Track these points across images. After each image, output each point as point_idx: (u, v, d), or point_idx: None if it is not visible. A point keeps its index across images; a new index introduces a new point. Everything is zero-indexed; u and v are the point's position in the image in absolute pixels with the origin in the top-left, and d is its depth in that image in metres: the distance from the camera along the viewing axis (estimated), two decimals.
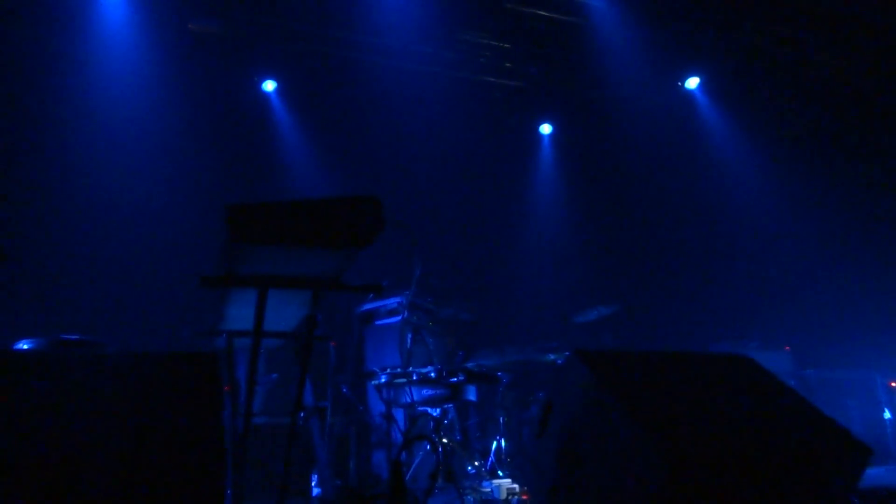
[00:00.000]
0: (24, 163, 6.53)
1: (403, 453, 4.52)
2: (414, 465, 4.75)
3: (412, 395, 4.59)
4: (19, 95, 6.60)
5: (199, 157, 7.19)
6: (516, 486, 4.29)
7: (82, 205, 6.55)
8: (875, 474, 4.86)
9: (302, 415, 4.47)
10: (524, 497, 4.11)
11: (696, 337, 8.09)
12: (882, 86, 8.43)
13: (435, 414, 4.79)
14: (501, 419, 5.40)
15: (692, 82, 8.75)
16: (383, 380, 4.71)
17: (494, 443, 5.24)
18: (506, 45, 8.39)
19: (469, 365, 5.46)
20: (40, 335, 3.64)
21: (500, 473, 4.83)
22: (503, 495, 4.23)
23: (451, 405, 4.94)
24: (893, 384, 7.44)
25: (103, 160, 6.72)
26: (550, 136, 9.58)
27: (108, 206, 6.62)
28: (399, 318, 5.66)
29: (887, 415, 7.23)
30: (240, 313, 3.15)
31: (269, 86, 8.07)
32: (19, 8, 6.51)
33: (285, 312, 3.21)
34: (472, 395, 5.20)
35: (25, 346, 3.64)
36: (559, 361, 5.66)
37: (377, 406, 5.44)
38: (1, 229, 6.07)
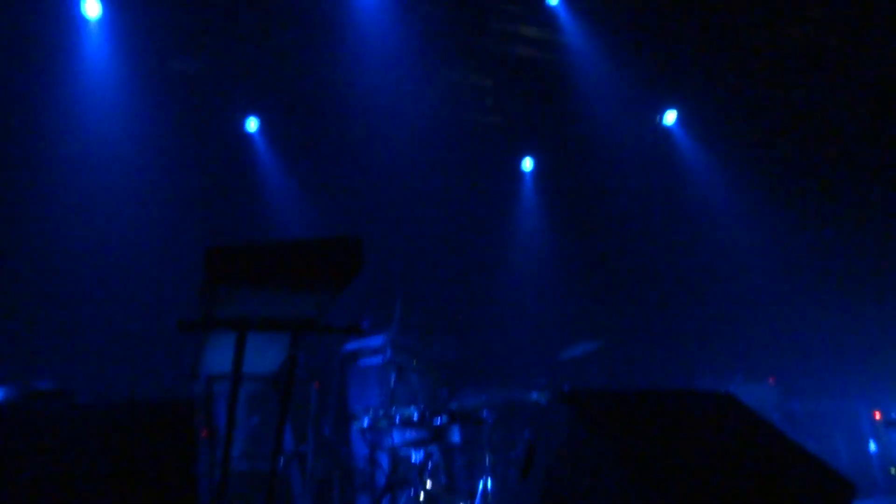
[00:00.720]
0: None
1: (387, 498, 4.42)
2: None
3: (395, 438, 4.51)
4: None
5: (180, 198, 7.15)
6: None
7: (56, 245, 6.46)
8: None
9: (282, 460, 4.37)
10: None
11: (681, 371, 8.09)
12: (858, 119, 8.64)
13: (419, 456, 4.71)
14: (487, 459, 5.32)
15: (670, 117, 8.90)
16: (366, 422, 4.63)
17: (481, 484, 5.15)
18: (486, 83, 8.50)
19: (453, 405, 5.40)
20: (11, 383, 3.55)
21: None
22: None
23: (435, 447, 4.87)
24: (878, 415, 7.46)
25: (80, 201, 6.66)
26: (532, 171, 9.66)
27: (83, 248, 6.52)
28: (382, 357, 5.60)
29: (872, 446, 7.23)
30: (219, 356, 3.09)
31: (252, 124, 8.09)
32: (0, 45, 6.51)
33: (265, 355, 3.16)
34: (456, 436, 5.13)
35: None
36: (543, 401, 5.62)
37: (361, 449, 5.35)
38: None
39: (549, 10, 7.12)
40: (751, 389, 7.02)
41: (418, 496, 4.11)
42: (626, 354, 8.04)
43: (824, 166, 8.92)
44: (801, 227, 8.67)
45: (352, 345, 6.38)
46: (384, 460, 5.13)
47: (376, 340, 6.03)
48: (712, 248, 8.91)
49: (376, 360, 6.03)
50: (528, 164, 9.60)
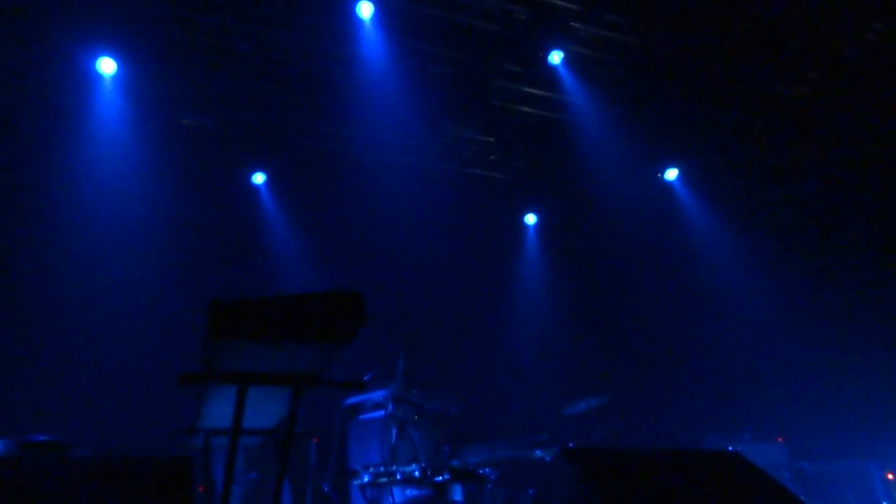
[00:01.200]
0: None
1: None
2: None
3: (395, 496, 4.42)
4: (8, 187, 6.66)
5: (186, 250, 7.21)
6: None
7: (56, 296, 6.48)
8: None
9: None
10: None
11: (687, 428, 7.95)
12: (858, 177, 8.72)
13: None
14: None
15: (671, 174, 9.00)
16: (366, 479, 4.54)
17: None
18: (490, 139, 8.65)
19: (455, 462, 5.30)
20: (6, 436, 3.51)
21: None
22: None
23: None
24: (890, 476, 7.28)
25: (83, 252, 6.71)
26: (535, 226, 9.72)
27: (84, 299, 6.54)
28: (384, 412, 5.53)
29: None
30: (219, 411, 3.06)
31: (259, 178, 8.21)
32: (17, 101, 6.68)
33: (265, 409, 3.13)
34: (458, 494, 5.01)
35: None
36: (548, 458, 5.51)
37: None
38: None
39: (551, 70, 7.29)
40: (759, 448, 6.88)
41: None
42: (632, 411, 7.92)
43: (828, 223, 8.96)
44: (810, 284, 8.64)
45: (353, 399, 6.31)
46: None
47: (378, 395, 5.97)
48: (718, 304, 8.87)
49: (377, 414, 5.95)
50: (531, 218, 9.68)
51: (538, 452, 5.56)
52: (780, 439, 7.32)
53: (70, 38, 6.32)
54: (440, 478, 4.49)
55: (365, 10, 6.41)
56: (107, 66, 6.61)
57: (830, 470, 7.25)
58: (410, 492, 4.45)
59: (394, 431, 5.17)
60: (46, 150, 6.85)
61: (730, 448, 6.84)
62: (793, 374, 8.34)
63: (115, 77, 6.75)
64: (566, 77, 7.38)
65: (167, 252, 7.11)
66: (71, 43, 6.36)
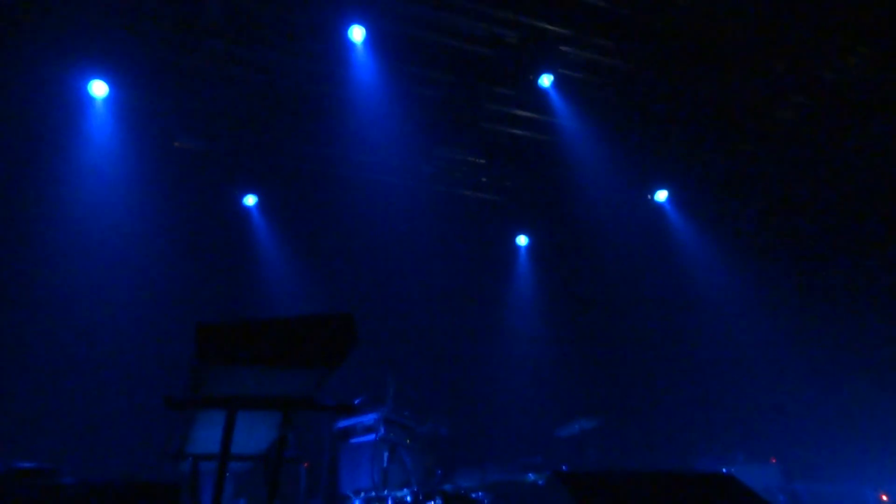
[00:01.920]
0: None
1: None
2: None
3: None
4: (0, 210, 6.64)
5: (177, 272, 7.18)
6: None
7: (44, 319, 6.42)
8: None
9: None
10: None
11: (680, 450, 7.92)
12: (846, 199, 8.81)
13: None
14: None
15: (661, 195, 9.07)
16: None
17: None
18: (481, 161, 8.69)
19: (447, 486, 5.25)
20: None
21: None
22: None
23: None
24: (884, 497, 7.26)
25: (76, 275, 6.68)
26: (527, 247, 9.74)
27: (71, 323, 6.49)
28: (375, 435, 5.47)
29: None
30: (208, 435, 3.03)
31: (251, 200, 8.20)
32: (8, 122, 6.67)
33: (255, 434, 3.10)
34: None
35: None
36: (540, 482, 5.47)
37: None
38: None
39: (541, 93, 7.36)
40: (752, 470, 6.86)
41: None
42: (624, 433, 7.89)
43: (817, 243, 9.03)
44: (801, 304, 8.68)
45: (344, 422, 6.24)
46: None
47: (368, 418, 5.91)
48: (710, 325, 8.89)
49: (368, 438, 5.88)
50: (522, 240, 9.70)
51: (531, 475, 5.53)
52: (773, 461, 7.30)
53: (62, 61, 6.34)
54: (432, 502, 4.44)
55: (357, 34, 6.47)
56: (99, 88, 6.62)
57: (825, 491, 7.22)
58: None
59: (385, 455, 5.12)
60: (37, 173, 6.83)
61: (723, 470, 6.81)
62: (786, 394, 8.34)
63: (107, 100, 6.77)
64: (556, 100, 7.45)
65: (158, 274, 7.08)
66: (63, 66, 6.37)
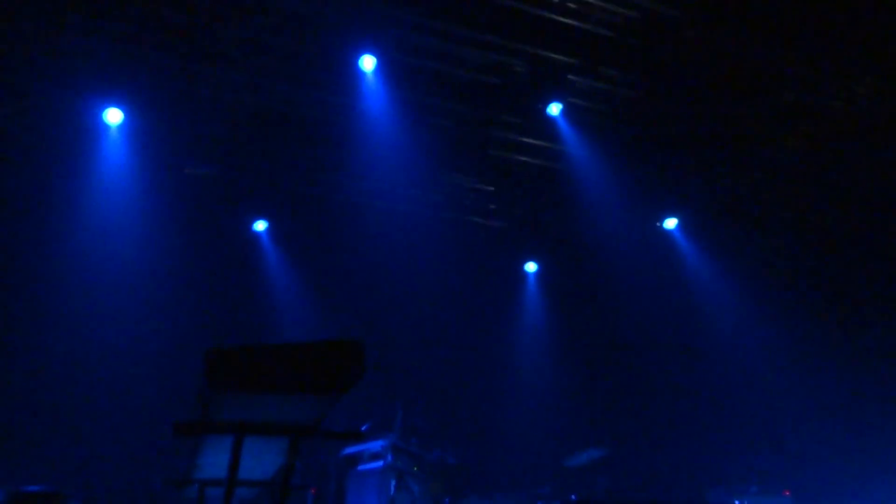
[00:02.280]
0: None
1: None
2: None
3: None
4: (15, 233, 6.72)
5: (186, 297, 7.21)
6: None
7: (53, 345, 6.45)
8: None
9: None
10: None
11: (692, 480, 7.80)
12: (857, 225, 8.78)
13: None
14: None
15: (670, 223, 9.05)
16: None
17: None
18: (490, 188, 8.74)
19: None
20: (1, 487, 3.45)
21: None
22: None
23: None
24: None
25: (86, 299, 6.72)
26: (536, 274, 9.73)
27: (80, 348, 6.51)
28: (382, 462, 5.43)
29: None
30: (214, 461, 3.02)
31: (260, 226, 8.26)
32: (25, 150, 6.78)
33: (262, 460, 3.08)
34: None
35: None
36: None
37: None
38: None
39: (549, 121, 7.41)
40: (765, 502, 6.74)
41: None
42: (634, 462, 7.78)
43: (827, 271, 8.98)
44: (813, 332, 8.61)
45: (351, 449, 6.21)
46: None
47: (376, 445, 5.88)
48: (721, 354, 8.81)
49: (376, 465, 5.84)
50: (531, 266, 9.70)
51: None
52: (786, 493, 7.17)
53: (78, 90, 6.46)
54: None
55: (367, 64, 6.57)
56: (113, 116, 6.73)
57: None
58: None
59: (392, 483, 5.07)
60: (52, 198, 6.93)
61: (735, 502, 6.70)
62: (799, 424, 8.23)
63: (122, 127, 6.87)
64: (564, 128, 7.50)
65: (167, 298, 7.12)
66: (79, 94, 6.49)
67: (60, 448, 5.93)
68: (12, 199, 6.73)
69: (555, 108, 7.24)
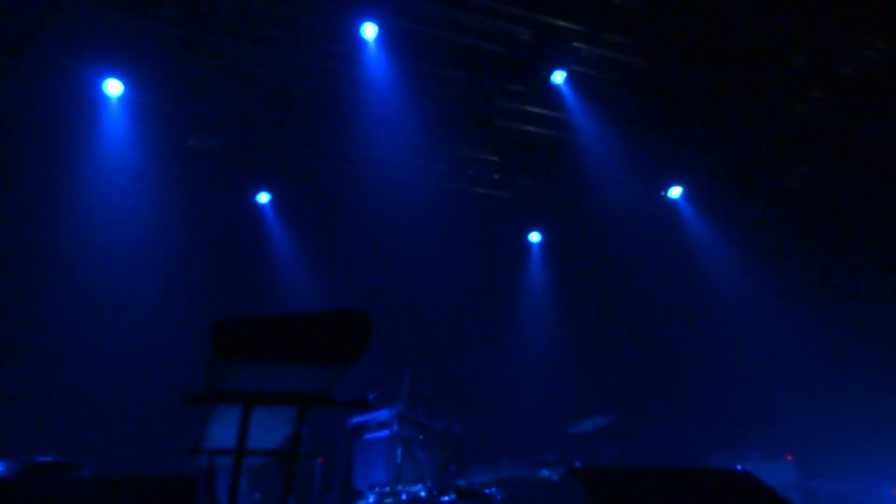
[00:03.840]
0: (2, 274, 6.54)
1: None
2: None
3: None
4: (16, 207, 6.72)
5: (191, 269, 7.23)
6: None
7: (61, 316, 6.49)
8: None
9: None
10: None
11: (696, 446, 7.88)
12: (862, 194, 8.71)
13: None
14: None
15: (675, 191, 9.00)
16: (371, 499, 4.50)
17: None
18: (494, 158, 8.68)
19: (461, 482, 5.25)
20: (11, 458, 3.50)
21: None
22: None
23: None
24: None
25: (91, 272, 6.75)
26: (539, 244, 9.72)
27: (88, 320, 6.56)
28: (389, 431, 5.49)
29: None
30: (223, 430, 3.04)
31: (264, 198, 8.24)
32: (24, 123, 6.74)
33: (270, 429, 3.11)
34: None
35: None
36: (554, 478, 5.46)
37: None
38: None
39: (554, 90, 7.32)
40: (768, 467, 6.82)
41: None
42: (639, 429, 7.86)
43: (832, 238, 8.94)
44: (817, 300, 8.61)
45: (357, 418, 6.27)
46: None
47: (382, 414, 5.94)
48: (725, 321, 8.84)
49: (382, 434, 5.91)
50: (535, 236, 9.69)
51: (545, 472, 5.52)
52: (789, 457, 7.25)
53: (77, 60, 6.39)
54: (446, 498, 4.45)
55: (369, 32, 6.47)
56: (113, 87, 6.67)
57: (841, 489, 7.17)
58: None
59: (399, 451, 5.13)
60: (53, 171, 6.91)
61: (738, 467, 6.77)
62: (802, 390, 8.28)
63: (122, 98, 6.82)
64: (569, 97, 7.41)
65: (172, 271, 7.14)
66: (78, 65, 6.43)
67: (72, 418, 6.01)
68: (12, 172, 6.71)
69: (559, 77, 7.15)
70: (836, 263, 8.84)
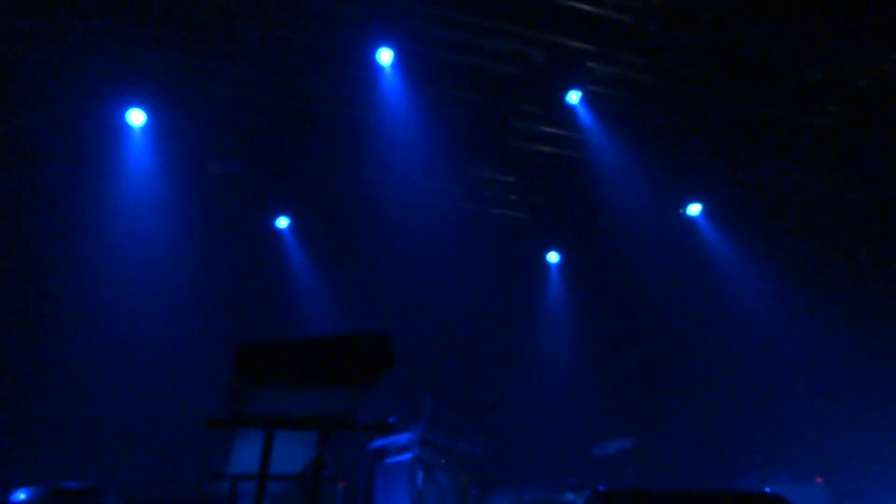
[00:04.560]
0: (29, 300, 6.64)
1: None
2: None
3: None
4: (44, 234, 6.85)
5: (212, 294, 7.29)
6: None
7: (86, 341, 6.56)
8: None
9: None
10: None
11: (720, 468, 7.73)
12: (884, 208, 8.59)
13: None
14: None
15: (694, 209, 8.93)
16: None
17: None
18: (510, 179, 8.70)
19: None
20: (38, 483, 3.52)
21: None
22: None
23: None
24: None
25: (115, 298, 6.83)
26: (558, 264, 9.68)
27: (112, 345, 6.62)
28: (410, 455, 5.45)
29: None
30: (246, 455, 3.05)
31: (283, 222, 8.31)
32: (51, 152, 6.89)
33: (292, 454, 3.11)
34: None
35: (22, 497, 3.50)
36: (579, 501, 5.38)
37: None
38: (1, 373, 6.06)
39: (569, 110, 7.34)
40: (798, 490, 6.65)
41: None
42: (662, 451, 7.73)
43: (855, 255, 8.81)
44: (843, 317, 8.45)
45: (378, 442, 6.24)
46: None
47: (403, 438, 5.90)
48: (749, 339, 8.70)
49: (403, 458, 5.87)
50: (554, 257, 9.65)
51: (569, 495, 5.44)
52: (819, 480, 7.07)
53: (101, 92, 6.54)
54: None
55: (385, 57, 6.56)
56: (136, 117, 6.81)
57: None
58: None
59: (420, 475, 5.09)
60: (80, 198, 7.05)
61: (766, 489, 6.62)
62: (830, 410, 8.10)
63: (145, 128, 6.95)
64: (585, 116, 7.43)
65: (194, 296, 7.20)
66: (102, 96, 6.57)
67: (96, 444, 6.04)
68: (40, 202, 6.85)
69: (574, 97, 7.17)
70: (862, 278, 8.69)
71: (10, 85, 6.31)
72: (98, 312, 6.75)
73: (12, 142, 6.68)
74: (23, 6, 5.77)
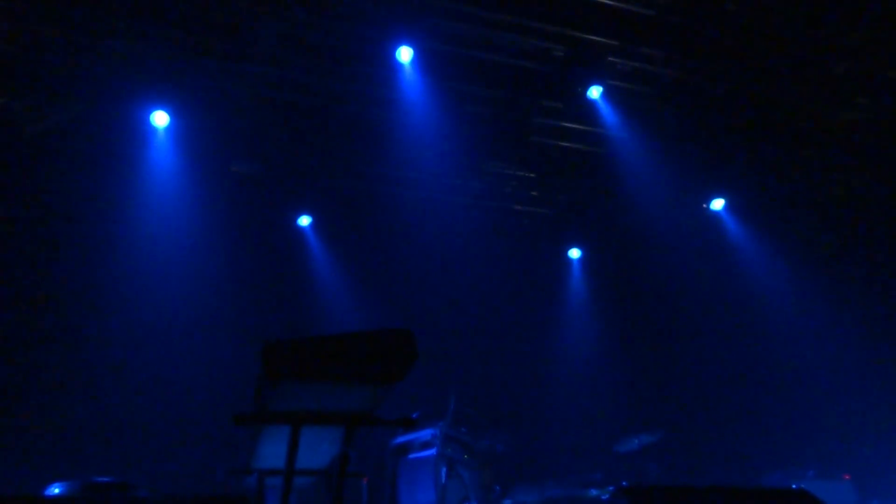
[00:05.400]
0: (61, 299, 6.78)
1: None
2: None
3: None
4: (69, 234, 6.98)
5: (237, 292, 7.38)
6: None
7: (115, 340, 6.69)
8: None
9: None
10: None
11: (745, 464, 7.66)
12: None
13: None
14: None
15: (717, 203, 8.84)
16: None
17: None
18: (531, 175, 8.68)
19: (506, 503, 5.21)
20: (71, 478, 3.61)
21: None
22: None
23: None
24: None
25: (141, 297, 6.94)
26: (580, 260, 9.65)
27: (142, 344, 6.74)
28: (433, 451, 5.48)
29: None
30: (272, 451, 3.09)
31: (305, 221, 8.38)
32: (79, 156, 7.02)
33: (318, 449, 3.15)
34: None
35: (56, 491, 3.60)
36: (603, 497, 5.37)
37: None
38: (33, 371, 6.20)
39: (590, 105, 7.30)
40: (824, 486, 6.57)
41: None
42: (686, 447, 7.68)
43: (881, 250, 8.66)
44: (869, 312, 8.32)
45: (401, 438, 6.27)
46: None
47: (426, 433, 5.92)
48: (774, 334, 8.60)
49: (426, 453, 5.89)
50: (575, 253, 9.61)
51: (592, 491, 5.44)
52: (846, 477, 6.98)
53: (126, 94, 6.64)
54: None
55: (405, 55, 6.58)
56: (160, 118, 6.91)
57: None
58: None
59: (443, 471, 5.12)
60: (104, 200, 7.17)
61: (793, 486, 6.55)
62: (856, 405, 7.98)
63: (168, 128, 7.04)
64: (606, 111, 7.38)
65: (219, 295, 7.30)
66: (127, 98, 6.68)
67: (127, 440, 6.17)
68: (68, 202, 6.98)
69: (595, 92, 7.13)
70: (890, 274, 8.54)
71: (40, 88, 6.43)
72: (128, 311, 6.87)
73: (41, 143, 6.81)
74: (49, 12, 5.88)
